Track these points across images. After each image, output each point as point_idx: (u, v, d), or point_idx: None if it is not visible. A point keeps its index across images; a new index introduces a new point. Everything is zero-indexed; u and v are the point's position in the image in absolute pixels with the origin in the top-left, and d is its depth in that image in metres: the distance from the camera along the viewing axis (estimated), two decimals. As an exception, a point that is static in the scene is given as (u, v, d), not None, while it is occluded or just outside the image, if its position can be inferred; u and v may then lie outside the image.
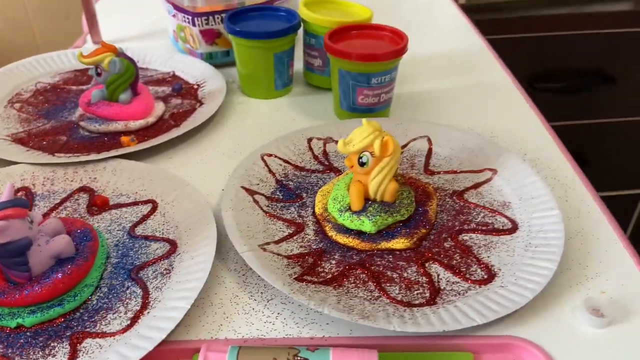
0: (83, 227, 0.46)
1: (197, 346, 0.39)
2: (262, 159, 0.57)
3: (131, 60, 0.65)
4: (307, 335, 0.40)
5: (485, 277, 0.44)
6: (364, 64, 0.62)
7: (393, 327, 0.38)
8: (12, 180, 0.55)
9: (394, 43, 0.65)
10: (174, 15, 0.80)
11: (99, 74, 0.64)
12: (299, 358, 0.36)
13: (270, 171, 0.56)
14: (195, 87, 0.75)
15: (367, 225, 0.47)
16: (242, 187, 0.52)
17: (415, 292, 0.43)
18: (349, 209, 0.48)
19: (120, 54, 0.64)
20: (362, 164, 0.48)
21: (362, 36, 0.67)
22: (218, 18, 0.77)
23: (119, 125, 0.64)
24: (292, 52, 0.72)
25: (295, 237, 0.48)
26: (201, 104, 0.70)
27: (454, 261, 0.46)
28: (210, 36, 0.79)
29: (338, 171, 0.57)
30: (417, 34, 0.69)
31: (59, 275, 0.41)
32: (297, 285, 0.42)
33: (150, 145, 0.59)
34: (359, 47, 0.64)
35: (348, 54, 0.62)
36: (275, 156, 0.58)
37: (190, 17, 0.77)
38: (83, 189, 0.55)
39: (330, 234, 0.48)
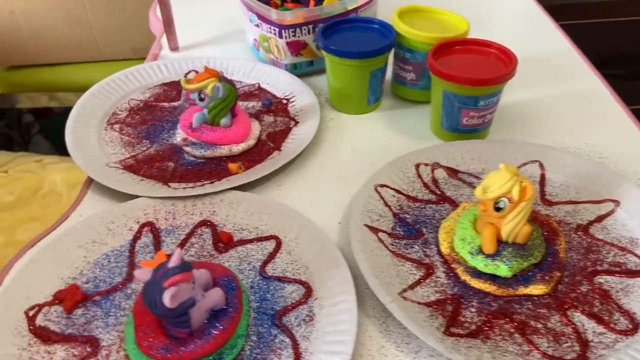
0: (225, 274, 0.47)
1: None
2: (376, 190, 0.57)
3: (232, 83, 0.65)
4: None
5: (630, 326, 0.44)
6: (473, 88, 0.60)
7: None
8: (136, 214, 0.56)
9: (501, 62, 0.63)
10: (257, 25, 0.79)
11: (201, 99, 0.64)
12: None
13: (386, 204, 0.56)
14: (285, 101, 0.74)
15: (502, 270, 0.47)
16: (365, 225, 0.53)
17: (564, 344, 0.43)
18: (481, 251, 0.49)
19: (222, 78, 0.64)
20: (498, 209, 0.47)
21: (465, 52, 0.65)
22: (305, 30, 0.76)
23: (223, 150, 0.64)
24: (386, 67, 0.71)
25: (427, 281, 0.49)
26: (295, 122, 0.70)
27: (595, 308, 0.46)
28: (296, 48, 0.77)
29: (452, 201, 0.57)
30: (490, 29, 0.67)
31: (218, 329, 0.42)
32: (449, 342, 0.42)
33: (261, 176, 0.60)
34: (464, 67, 0.62)
35: (456, 78, 0.60)
36: (388, 187, 0.58)
37: (277, 29, 0.76)
38: (204, 223, 0.56)
39: (463, 277, 0.49)
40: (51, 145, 1.59)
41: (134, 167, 0.63)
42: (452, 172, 0.60)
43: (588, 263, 0.50)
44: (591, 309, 0.46)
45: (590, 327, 0.44)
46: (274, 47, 0.79)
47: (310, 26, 0.76)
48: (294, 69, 0.80)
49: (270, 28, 0.77)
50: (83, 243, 0.53)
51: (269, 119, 0.72)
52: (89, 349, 0.44)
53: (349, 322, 0.44)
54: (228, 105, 0.65)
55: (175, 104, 0.74)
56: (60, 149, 1.63)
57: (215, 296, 0.43)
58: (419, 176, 0.60)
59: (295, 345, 0.44)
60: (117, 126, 0.69)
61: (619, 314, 0.45)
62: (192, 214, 0.57)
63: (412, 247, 0.52)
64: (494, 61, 0.64)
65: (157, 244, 0.54)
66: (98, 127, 0.69)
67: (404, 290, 0.47)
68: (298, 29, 0.76)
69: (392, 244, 0.52)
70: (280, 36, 0.76)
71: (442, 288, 0.48)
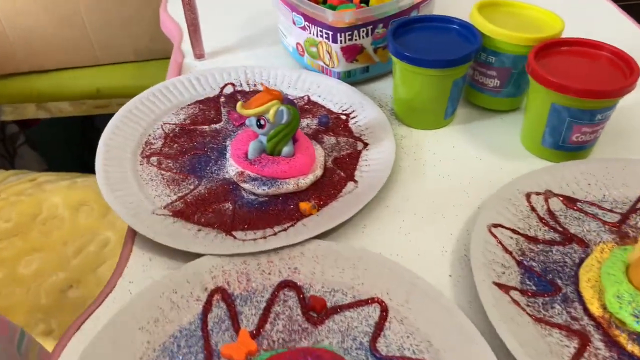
0: (337, 363, 0.37)
1: None
2: (491, 232, 0.47)
3: (294, 104, 0.54)
4: None
5: None
6: (592, 101, 0.51)
7: None
8: (202, 279, 0.45)
9: (615, 67, 0.54)
10: (303, 28, 0.68)
11: (261, 126, 0.53)
12: None
13: (506, 250, 0.46)
14: (344, 117, 0.64)
15: (681, 337, 0.38)
16: (493, 283, 0.43)
17: None
18: (647, 313, 0.39)
19: (285, 99, 0.53)
20: (675, 265, 0.38)
21: (570, 54, 0.55)
22: (363, 32, 0.65)
23: (289, 186, 0.54)
24: (466, 75, 0.61)
25: (585, 355, 0.39)
26: (364, 144, 0.60)
27: None
28: (351, 53, 0.66)
29: (580, 241, 0.48)
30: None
31: None
32: None
33: (346, 219, 0.49)
34: (573, 74, 0.52)
35: (570, 89, 0.50)
36: (502, 226, 0.48)
37: (330, 33, 0.64)
38: (286, 285, 0.45)
39: (630, 348, 0.39)
40: (39, 156, 1.46)
41: (186, 212, 0.52)
42: (569, 202, 0.51)
43: None
44: None
45: None
46: (324, 53, 0.68)
47: (370, 27, 0.65)
48: (347, 78, 0.69)
49: (321, 31, 0.65)
50: (144, 324, 0.42)
51: (329, 140, 0.61)
52: None
53: None
54: (292, 132, 0.54)
55: (217, 126, 0.63)
56: (50, 162, 1.50)
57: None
58: (533, 209, 0.50)
59: None
60: (154, 159, 0.58)
61: None
62: (269, 273, 0.46)
63: (552, 307, 0.43)
64: (605, 66, 0.54)
65: (234, 318, 0.43)
66: (132, 161, 0.57)
67: (565, 372, 0.38)
68: (355, 32, 0.65)
69: (528, 305, 0.42)
70: (335, 40, 0.65)
71: (608, 363, 0.39)
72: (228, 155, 0.57)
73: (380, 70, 0.71)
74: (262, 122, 0.53)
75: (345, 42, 0.65)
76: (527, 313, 0.42)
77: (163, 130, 0.62)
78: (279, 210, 0.52)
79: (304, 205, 0.52)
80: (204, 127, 0.63)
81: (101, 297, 0.45)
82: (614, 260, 0.43)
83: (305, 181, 0.54)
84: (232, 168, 0.56)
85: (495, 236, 0.47)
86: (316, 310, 0.43)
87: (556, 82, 0.51)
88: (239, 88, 0.69)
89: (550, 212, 0.50)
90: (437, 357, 0.40)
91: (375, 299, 0.44)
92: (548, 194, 0.51)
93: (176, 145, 0.60)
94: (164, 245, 0.48)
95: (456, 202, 0.53)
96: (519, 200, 0.50)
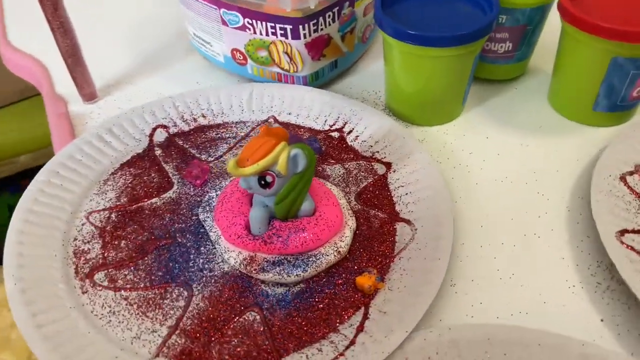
0: None
1: None
2: (622, 242, 0.35)
3: (304, 141, 0.37)
4: None
5: None
6: (662, 44, 0.41)
7: None
8: None
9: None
10: (241, 27, 0.49)
11: (267, 185, 0.35)
12: None
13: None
14: (336, 134, 0.48)
15: None
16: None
17: None
18: None
19: (292, 137, 0.36)
20: None
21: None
22: (329, 17, 0.49)
23: (329, 257, 0.37)
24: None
25: None
26: (384, 164, 0.44)
27: None
28: (318, 48, 0.50)
29: None
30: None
31: None
32: None
33: (437, 289, 0.34)
34: (621, 14, 0.42)
35: (632, 35, 0.40)
36: (628, 231, 0.36)
37: (289, 27, 0.47)
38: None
39: None
40: None
41: (195, 351, 0.33)
42: (665, 173, 0.41)
43: None
44: None
45: None
46: (281, 56, 0.50)
47: (336, 9, 0.49)
48: (314, 81, 0.52)
49: (273, 28, 0.48)
50: None
51: (334, 171, 0.45)
52: None
53: None
54: (309, 182, 0.37)
55: (171, 194, 0.43)
56: None
57: None
58: (634, 191, 0.39)
59: None
60: (100, 277, 0.37)
61: None
62: (375, 411, 0.30)
63: None
64: (647, -2, 0.44)
65: None
66: (69, 293, 0.35)
67: None
68: (321, 19, 0.48)
69: None
70: (296, 36, 0.48)
71: None
72: (214, 235, 0.38)
73: (348, 63, 0.55)
74: (269, 179, 0.35)
75: (310, 35, 0.48)
76: None
77: (91, 224, 0.41)
78: (331, 299, 0.35)
79: (364, 281, 0.35)
80: (153, 200, 0.43)
81: None
82: None
83: (345, 241, 0.38)
84: (231, 254, 0.37)
85: (629, 246, 0.35)
86: None
87: (619, 30, 0.40)
88: (174, 130, 0.49)
89: (654, 192, 0.40)
90: None
91: (541, 395, 0.30)
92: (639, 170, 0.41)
93: (124, 242, 0.39)
94: None
95: (538, 209, 0.41)
96: (618, 189, 0.39)
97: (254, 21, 0.48)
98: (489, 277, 0.37)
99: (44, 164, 0.44)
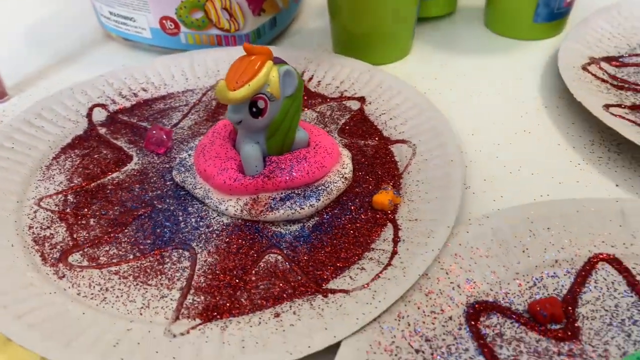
0: None
1: None
2: (610, 112, 0.36)
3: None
4: None
5: None
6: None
7: None
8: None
9: None
10: (171, -11, 0.45)
11: (259, 113, 0.31)
12: None
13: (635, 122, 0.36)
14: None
15: None
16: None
17: None
18: None
19: (276, 58, 0.32)
20: None
21: None
22: (265, -35, 0.46)
23: (338, 183, 0.34)
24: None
25: None
26: (357, 99, 0.42)
27: None
28: (257, 1, 0.47)
29: (667, 89, 0.41)
30: None
31: None
32: None
33: (460, 194, 0.32)
34: None
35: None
36: (617, 106, 0.38)
37: (225, -22, 0.44)
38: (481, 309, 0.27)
39: None
40: None
41: (222, 303, 0.28)
42: (615, 61, 0.44)
43: None
44: None
45: None
46: (219, 14, 0.47)
47: (271, -42, 0.47)
48: (257, 39, 0.49)
49: (208, -18, 0.44)
50: None
51: (308, 115, 0.42)
52: None
53: None
54: (300, 104, 0.34)
55: (133, 165, 0.37)
56: None
57: None
58: (602, 80, 0.41)
59: None
60: (75, 258, 0.30)
61: None
62: (441, 311, 0.27)
63: None
64: None
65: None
66: (43, 281, 0.29)
67: None
68: (258, -33, 0.46)
69: None
70: (235, -12, 0.45)
71: None
72: (202, 192, 0.34)
73: (285, 21, 0.53)
74: (260, 104, 0.31)
75: (249, -15, 0.45)
76: None
77: (46, 209, 0.34)
78: (352, 224, 0.32)
79: (383, 199, 0.33)
80: (114, 175, 0.37)
81: None
82: None
83: (348, 168, 0.35)
84: (229, 204, 0.33)
85: (618, 115, 0.36)
86: (557, 319, 0.26)
87: None
88: (114, 107, 0.43)
89: (612, 76, 0.42)
90: None
91: (597, 257, 0.29)
92: (595, 61, 0.43)
93: (93, 220, 0.33)
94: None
95: (517, 111, 0.41)
96: (585, 77, 0.41)
97: (186, -22, 0.45)
98: (499, 174, 0.36)
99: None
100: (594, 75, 0.41)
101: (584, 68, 0.42)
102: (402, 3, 0.44)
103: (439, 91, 0.44)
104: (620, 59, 0.44)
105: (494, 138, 0.39)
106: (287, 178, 0.32)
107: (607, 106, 0.37)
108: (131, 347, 0.25)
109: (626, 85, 0.41)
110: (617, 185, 0.34)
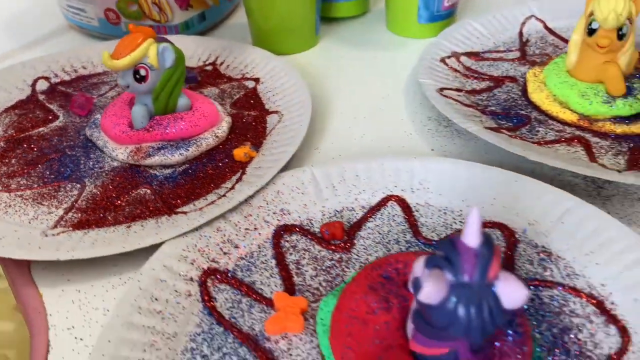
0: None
1: None
2: (443, 95, 0.44)
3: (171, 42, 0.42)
4: None
5: None
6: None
7: None
8: (180, 269, 0.32)
9: None
10: (111, -14, 0.55)
11: (141, 79, 0.40)
12: None
13: (467, 105, 0.44)
14: (210, 67, 0.54)
15: (649, 102, 0.41)
16: (485, 127, 0.40)
17: None
18: (612, 97, 0.41)
19: (160, 37, 0.41)
20: (621, 37, 0.40)
21: None
22: (190, -32, 0.56)
23: (209, 140, 0.42)
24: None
25: (594, 150, 0.39)
26: (254, 80, 0.51)
27: None
28: (184, -2, 0.56)
29: (508, 78, 0.48)
30: None
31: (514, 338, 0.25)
32: None
33: (298, 145, 0.40)
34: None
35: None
36: (447, 88, 0.46)
37: (153, -23, 0.53)
38: (283, 230, 0.35)
39: (619, 130, 0.41)
40: None
41: (91, 218, 0.36)
42: (475, 55, 0.52)
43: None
44: None
45: None
46: (151, 7, 0.56)
47: (195, -38, 0.56)
48: (186, 30, 0.58)
49: (139, -20, 0.54)
50: (140, 357, 0.27)
51: (211, 91, 0.50)
52: None
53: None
54: (182, 76, 0.42)
55: (58, 123, 0.47)
56: None
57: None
58: (453, 69, 0.49)
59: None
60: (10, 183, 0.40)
61: None
62: (255, 229, 0.35)
63: (538, 131, 0.42)
64: None
65: (250, 291, 0.31)
66: (-38, 196, 0.38)
67: (598, 164, 0.37)
68: (182, -31, 0.55)
69: (522, 138, 0.41)
70: (161, -15, 0.54)
71: (616, 148, 0.39)
72: (102, 142, 0.42)
73: (216, 17, 0.62)
74: (142, 72, 0.40)
75: (174, -16, 0.55)
76: (528, 141, 0.40)
77: (-17, 150, 0.43)
78: (213, 170, 0.41)
79: (240, 152, 0.41)
80: (40, 129, 0.46)
81: (37, 369, 0.28)
82: (554, 74, 0.44)
83: (222, 129, 0.43)
84: (118, 152, 0.41)
85: (448, 96, 0.44)
86: (337, 237, 0.35)
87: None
88: (56, 80, 0.52)
89: (467, 67, 0.50)
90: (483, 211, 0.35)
91: (389, 197, 0.37)
92: (456, 55, 0.51)
93: (14, 160, 0.42)
94: (92, 266, 0.32)
95: (384, 93, 0.49)
96: (440, 67, 0.49)
97: (122, -24, 0.54)
98: (345, 140, 0.44)
99: None
100: (449, 65, 0.49)
101: (442, 60, 0.50)
102: (300, 5, 0.53)
103: (329, 76, 0.53)
104: (481, 54, 0.52)
105: (354, 114, 0.47)
106: (162, 132, 0.41)
107: (441, 89, 0.45)
108: (13, 241, 0.34)
109: (475, 75, 0.49)
110: (432, 150, 0.42)
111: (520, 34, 0.55)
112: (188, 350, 0.28)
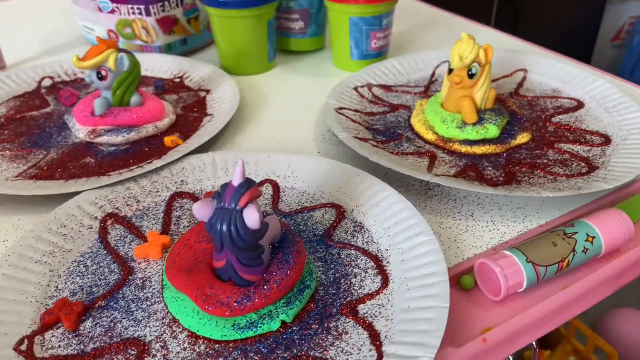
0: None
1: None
2: (339, 113, 0.55)
3: (131, 53, 0.56)
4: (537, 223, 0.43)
5: (603, 140, 0.51)
6: (377, 5, 0.63)
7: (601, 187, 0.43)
8: (89, 210, 0.44)
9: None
10: (111, 11, 0.70)
11: (102, 77, 0.53)
12: (569, 234, 0.38)
13: (354, 121, 0.55)
14: (178, 80, 0.67)
15: (492, 130, 0.50)
16: (354, 137, 0.51)
17: (573, 165, 0.48)
18: (465, 123, 0.51)
19: (121, 49, 0.55)
20: (471, 76, 0.50)
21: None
22: (174, 2, 0.70)
23: (149, 129, 0.55)
24: (275, 18, 0.69)
25: (436, 163, 0.49)
26: (205, 91, 0.64)
27: (570, 136, 0.52)
28: (167, 25, 0.71)
29: (403, 106, 0.59)
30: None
31: (287, 263, 0.35)
32: (501, 189, 0.43)
33: (214, 134, 0.52)
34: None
35: None
36: (345, 108, 0.57)
37: (142, 7, 0.68)
38: (178, 195, 0.46)
39: (463, 150, 0.50)
40: None
41: (44, 174, 0.49)
42: (386, 88, 0.62)
43: (539, 112, 0.56)
44: (569, 138, 0.52)
45: (578, 148, 0.50)
46: (140, 30, 0.70)
47: (179, -2, 0.70)
48: (168, 51, 0.72)
49: (132, 8, 0.68)
50: (39, 257, 0.39)
51: (171, 97, 0.63)
52: (132, 351, 0.33)
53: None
54: (136, 79, 0.55)
55: (47, 109, 0.61)
56: None
57: (274, 223, 0.36)
58: (362, 96, 0.60)
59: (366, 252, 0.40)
60: (-14, 145, 0.54)
61: (589, 135, 0.52)
62: (157, 192, 0.47)
63: (402, 145, 0.52)
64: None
65: (135, 231, 0.43)
66: (-40, 150, 0.52)
67: (431, 172, 0.47)
68: (167, 3, 0.69)
69: (385, 149, 0.51)
70: (148, 14, 0.68)
71: (454, 162, 0.49)
72: (72, 125, 0.56)
73: (197, 43, 0.76)
74: (103, 72, 0.53)
75: (158, 13, 0.69)
76: (388, 151, 0.50)
77: (-14, 123, 0.57)
78: (145, 151, 0.53)
79: (169, 139, 0.53)
80: (33, 112, 0.60)
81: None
82: (431, 104, 0.55)
83: (164, 123, 0.56)
84: (80, 131, 0.55)
85: (343, 114, 0.55)
86: (214, 203, 0.45)
87: (348, -2, 0.63)
88: (58, 79, 0.67)
89: (375, 96, 0.61)
90: (341, 199, 0.46)
91: (267, 180, 0.48)
92: (370, 85, 0.62)
93: (7, 131, 0.56)
94: (32, 204, 0.45)
95: (305, 110, 0.61)
96: (350, 93, 0.60)
97: (119, 5, 0.69)
98: (258, 139, 0.56)
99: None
100: (359, 93, 0.60)
101: (355, 88, 0.61)
102: (251, 36, 0.66)
103: (271, 95, 0.65)
104: (392, 87, 0.63)
105: (275, 122, 0.59)
106: (113, 119, 0.54)
107: (340, 108, 0.56)
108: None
109: (378, 102, 0.59)
110: (318, 152, 0.53)
111: (432, 74, 0.65)
112: (76, 261, 0.40)
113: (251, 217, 0.31)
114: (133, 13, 0.69)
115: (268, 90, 0.66)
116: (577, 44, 1.97)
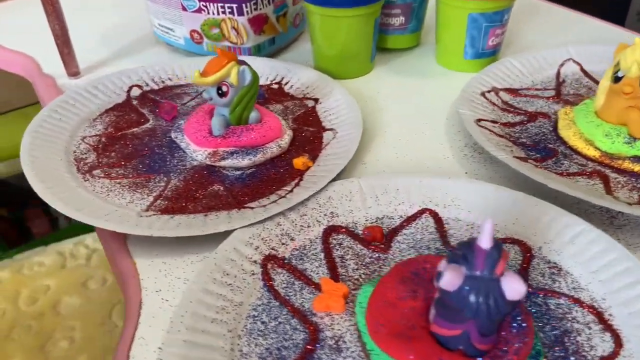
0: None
1: None
2: (479, 125, 0.50)
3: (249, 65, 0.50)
4: None
5: None
6: (501, 1, 0.58)
7: None
8: (246, 253, 0.39)
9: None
10: (198, 10, 0.64)
11: (223, 94, 0.48)
12: None
13: (500, 136, 0.50)
14: (276, 86, 0.61)
15: (666, 144, 0.46)
16: (514, 157, 0.46)
17: None
18: (633, 138, 0.46)
19: (240, 60, 0.49)
20: (644, 85, 0.45)
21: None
22: (265, 0, 0.64)
23: (273, 149, 0.50)
24: (379, 14, 0.64)
25: (611, 185, 0.44)
26: (313, 100, 0.58)
27: None
28: (259, 24, 0.65)
29: (541, 114, 0.54)
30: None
31: (524, 314, 0.31)
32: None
33: (349, 159, 0.47)
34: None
35: (482, -5, 0.57)
36: (483, 119, 0.52)
37: (234, 6, 0.62)
38: (332, 230, 0.42)
39: (637, 169, 0.45)
40: None
41: (175, 206, 0.44)
42: (512, 92, 0.57)
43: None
44: None
45: None
46: (230, 31, 0.64)
47: (271, -6, 0.64)
48: (257, 52, 0.67)
49: (222, 7, 0.62)
50: (214, 316, 0.34)
51: (276, 108, 0.58)
52: None
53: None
54: (255, 94, 0.50)
55: (148, 125, 0.55)
56: None
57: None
58: (493, 103, 0.55)
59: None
60: (97, 172, 0.48)
61: None
62: (308, 227, 0.42)
63: (562, 164, 0.47)
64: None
65: (302, 276, 0.38)
66: (74, 180, 0.47)
67: (612, 196, 0.42)
68: (260, 0, 0.63)
69: (546, 168, 0.46)
70: (241, 13, 0.62)
71: (632, 184, 0.44)
72: (184, 144, 0.51)
73: (283, 41, 0.70)
74: (224, 88, 0.48)
75: (251, 12, 0.63)
76: (552, 172, 0.45)
77: (87, 144, 0.52)
78: (276, 175, 0.48)
79: (299, 161, 0.48)
80: (134, 129, 0.55)
81: (132, 319, 0.36)
82: (583, 114, 0.50)
83: (285, 140, 0.51)
84: (198, 153, 0.49)
85: (484, 127, 0.50)
86: (378, 239, 0.41)
87: (471, -7, 0.57)
88: (147, 88, 0.61)
89: (505, 102, 0.55)
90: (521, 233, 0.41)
91: (424, 210, 0.43)
92: (496, 90, 0.57)
93: (114, 153, 0.51)
94: (172, 243, 0.40)
95: (427, 119, 0.56)
96: (479, 100, 0.55)
97: (208, 4, 0.63)
98: (390, 159, 0.51)
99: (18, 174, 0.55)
100: (488, 99, 0.55)
101: (482, 94, 0.56)
102: (357, 36, 0.60)
103: (379, 104, 0.59)
104: (519, 91, 0.57)
105: (399, 135, 0.54)
106: (236, 140, 0.49)
107: (478, 120, 0.51)
108: (115, 218, 0.42)
109: (511, 109, 0.54)
110: (466, 173, 0.48)
111: (558, 74, 0.60)
112: (251, 316, 0.35)
113: (513, 288, 0.27)
114: (223, 12, 0.63)
115: (374, 95, 0.61)
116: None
